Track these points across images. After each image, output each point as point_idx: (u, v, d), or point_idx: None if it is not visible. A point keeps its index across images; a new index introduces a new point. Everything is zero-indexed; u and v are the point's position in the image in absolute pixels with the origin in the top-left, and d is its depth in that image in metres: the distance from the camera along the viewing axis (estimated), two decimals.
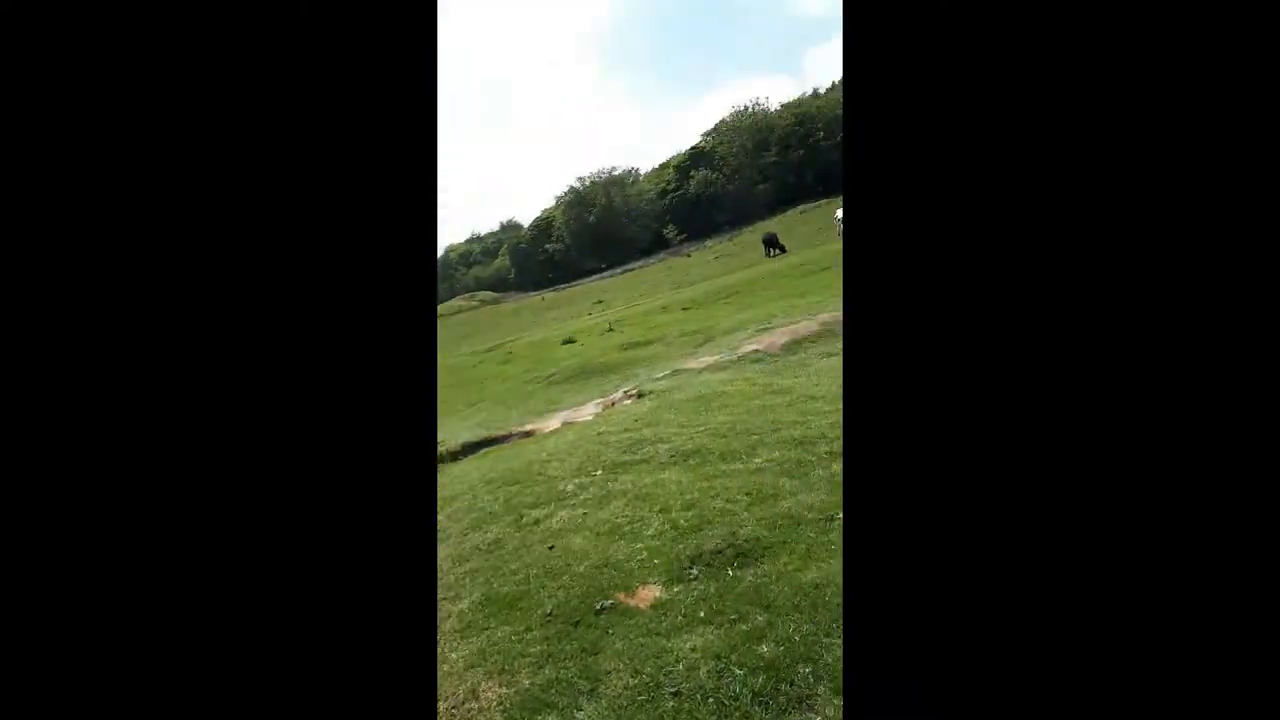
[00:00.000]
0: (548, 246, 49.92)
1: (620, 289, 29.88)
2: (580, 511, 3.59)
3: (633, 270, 40.78)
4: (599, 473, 4.22)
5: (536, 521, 3.60)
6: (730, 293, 14.03)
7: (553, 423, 7.32)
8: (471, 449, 6.98)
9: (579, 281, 43.19)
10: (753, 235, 36.41)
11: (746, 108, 46.29)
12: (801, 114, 42.43)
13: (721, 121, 48.25)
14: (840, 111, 41.23)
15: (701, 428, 4.59)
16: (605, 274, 44.26)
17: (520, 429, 7.30)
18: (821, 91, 48.00)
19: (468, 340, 22.67)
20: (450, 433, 7.88)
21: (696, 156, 48.46)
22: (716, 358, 7.61)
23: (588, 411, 7.40)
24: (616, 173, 53.36)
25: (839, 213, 21.59)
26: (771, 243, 22.58)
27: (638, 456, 4.31)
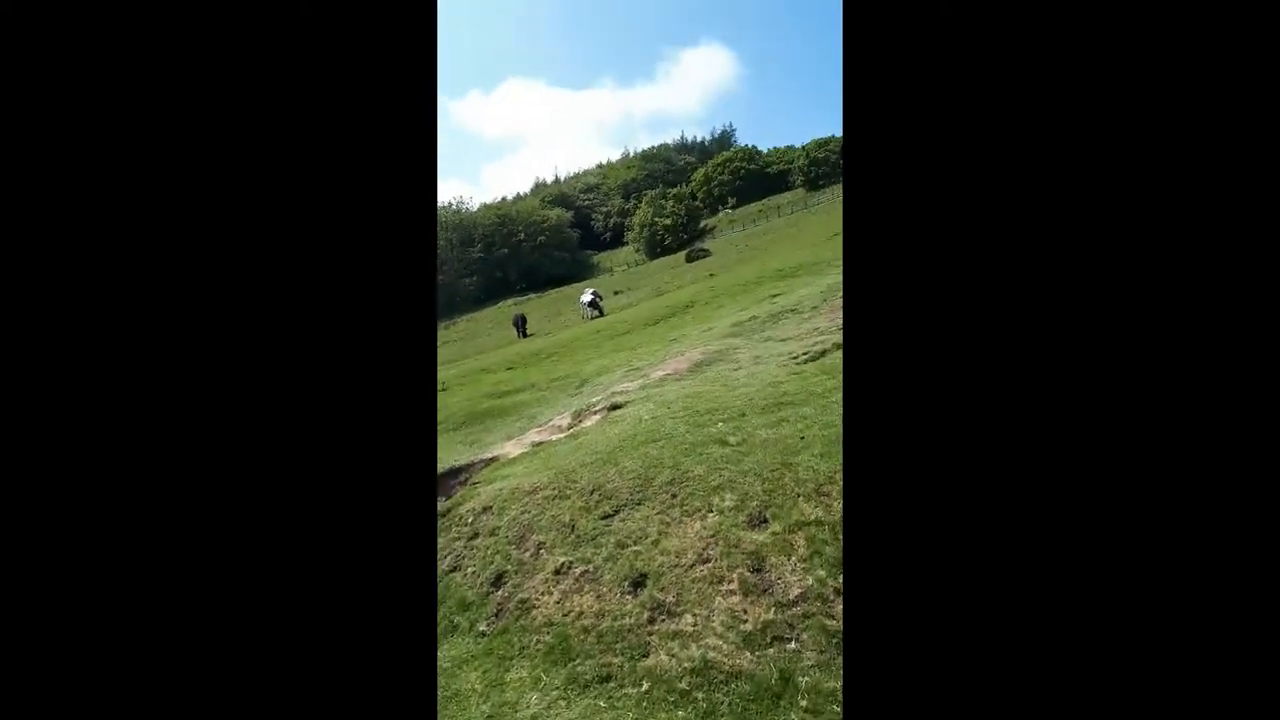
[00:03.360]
0: None
1: None
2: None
3: None
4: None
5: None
6: (546, 354, 14.79)
7: (510, 449, 7.25)
8: (455, 474, 6.69)
9: None
10: (470, 324, 37.34)
11: (450, 204, 48.50)
12: (503, 215, 46.05)
13: None
14: (536, 218, 44.90)
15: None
16: None
17: (481, 459, 7.17)
18: (510, 199, 53.13)
19: None
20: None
21: None
22: (638, 383, 8.08)
23: (538, 437, 7.51)
24: None
25: (585, 296, 23.97)
26: (521, 324, 24.02)
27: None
